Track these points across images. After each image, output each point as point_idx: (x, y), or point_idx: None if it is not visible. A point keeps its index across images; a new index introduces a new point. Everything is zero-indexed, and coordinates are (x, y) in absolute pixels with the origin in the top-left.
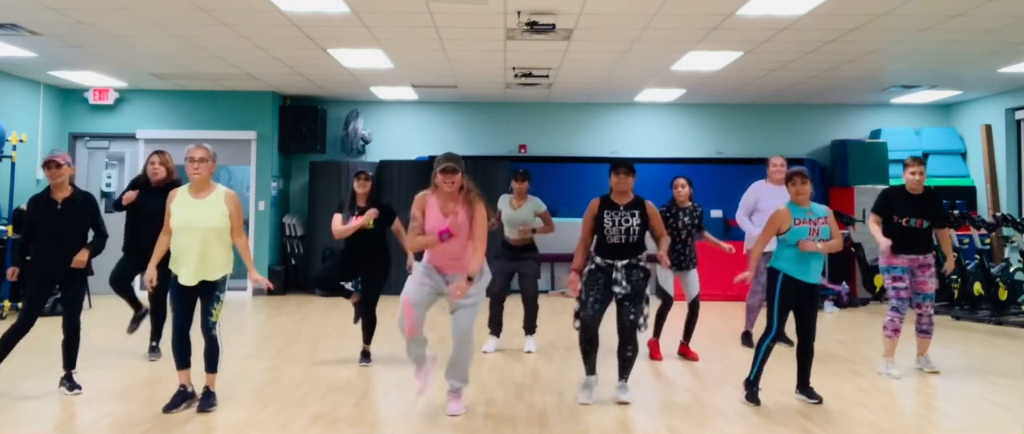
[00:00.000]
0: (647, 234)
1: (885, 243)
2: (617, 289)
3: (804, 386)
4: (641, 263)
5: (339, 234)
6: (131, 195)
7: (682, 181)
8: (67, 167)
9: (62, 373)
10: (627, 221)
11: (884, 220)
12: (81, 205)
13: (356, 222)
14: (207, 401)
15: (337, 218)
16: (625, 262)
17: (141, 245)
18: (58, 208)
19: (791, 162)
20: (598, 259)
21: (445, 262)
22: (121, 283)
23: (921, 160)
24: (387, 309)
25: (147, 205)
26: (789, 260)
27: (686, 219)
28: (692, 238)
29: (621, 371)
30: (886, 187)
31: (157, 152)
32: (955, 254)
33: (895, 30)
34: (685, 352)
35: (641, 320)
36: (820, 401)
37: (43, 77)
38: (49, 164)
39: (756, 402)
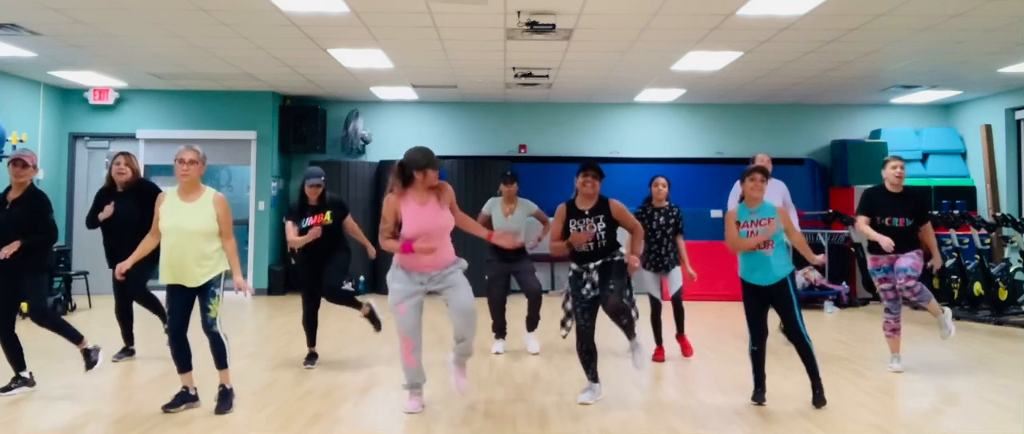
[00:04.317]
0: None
1: (886, 241)
2: (587, 288)
3: (814, 387)
4: (616, 258)
5: (296, 243)
6: (109, 210)
7: (662, 181)
8: (33, 169)
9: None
10: (592, 228)
11: (869, 220)
12: (29, 204)
13: (311, 234)
14: (225, 401)
15: (290, 227)
16: (595, 263)
17: (121, 254)
18: (7, 208)
19: (791, 162)
20: (574, 265)
21: (421, 262)
22: (123, 313)
23: (900, 158)
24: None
25: (118, 210)
26: (741, 264)
27: (662, 219)
28: (668, 239)
29: (627, 334)
30: (867, 187)
31: (122, 153)
32: (955, 254)
33: (895, 30)
34: (681, 342)
35: (627, 297)
36: (821, 405)
37: (43, 77)
38: (16, 161)
39: (760, 402)
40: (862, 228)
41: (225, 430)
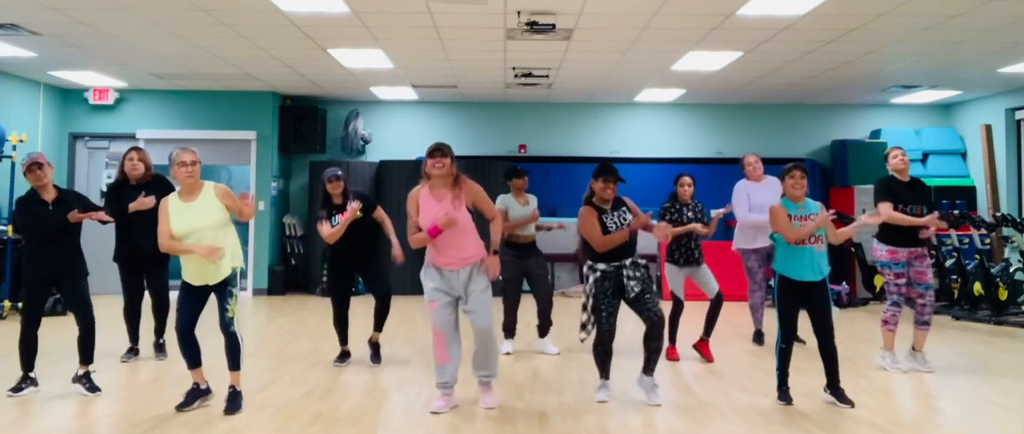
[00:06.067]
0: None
1: (931, 216)
2: (633, 285)
3: (833, 387)
4: (641, 261)
5: (331, 237)
6: (149, 202)
7: (688, 180)
8: (49, 166)
9: (79, 371)
10: (624, 219)
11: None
12: (71, 204)
13: (345, 217)
14: (234, 403)
15: (325, 225)
16: (630, 260)
17: (132, 244)
18: (50, 209)
19: (791, 162)
20: (602, 265)
21: (449, 260)
22: (132, 312)
23: (900, 147)
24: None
25: (132, 203)
26: (781, 260)
27: (690, 214)
28: (698, 234)
29: (648, 366)
30: (881, 178)
31: (134, 148)
32: (955, 254)
33: (895, 30)
34: (702, 349)
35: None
36: (851, 405)
37: (43, 77)
38: (33, 166)
39: (788, 401)
40: (892, 215)
41: (225, 430)
